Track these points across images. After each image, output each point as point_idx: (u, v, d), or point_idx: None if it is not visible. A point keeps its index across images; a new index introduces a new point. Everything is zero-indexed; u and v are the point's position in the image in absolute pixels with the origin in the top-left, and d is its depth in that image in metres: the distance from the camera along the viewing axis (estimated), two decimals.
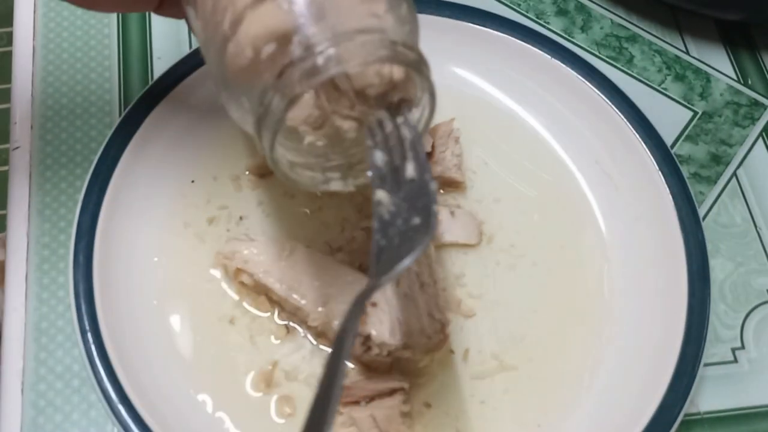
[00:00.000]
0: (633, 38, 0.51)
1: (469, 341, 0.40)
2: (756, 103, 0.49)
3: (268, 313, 0.40)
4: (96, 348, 0.36)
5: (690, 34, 0.52)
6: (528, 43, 0.46)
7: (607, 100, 0.44)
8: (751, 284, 0.44)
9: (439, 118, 0.45)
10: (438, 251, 0.40)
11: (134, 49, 0.47)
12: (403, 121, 0.32)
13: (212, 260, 0.41)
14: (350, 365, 0.38)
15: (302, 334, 0.39)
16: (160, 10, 0.38)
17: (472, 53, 0.46)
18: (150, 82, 0.45)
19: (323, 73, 0.28)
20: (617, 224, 0.43)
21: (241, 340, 0.39)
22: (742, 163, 0.47)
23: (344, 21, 0.29)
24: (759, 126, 0.49)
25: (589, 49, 0.50)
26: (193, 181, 0.43)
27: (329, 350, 0.39)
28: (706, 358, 0.39)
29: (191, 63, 0.43)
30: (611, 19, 0.52)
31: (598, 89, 0.45)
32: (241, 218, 0.42)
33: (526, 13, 0.51)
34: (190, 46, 0.48)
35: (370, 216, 0.39)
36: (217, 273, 0.40)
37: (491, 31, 0.46)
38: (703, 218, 0.45)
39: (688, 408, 0.37)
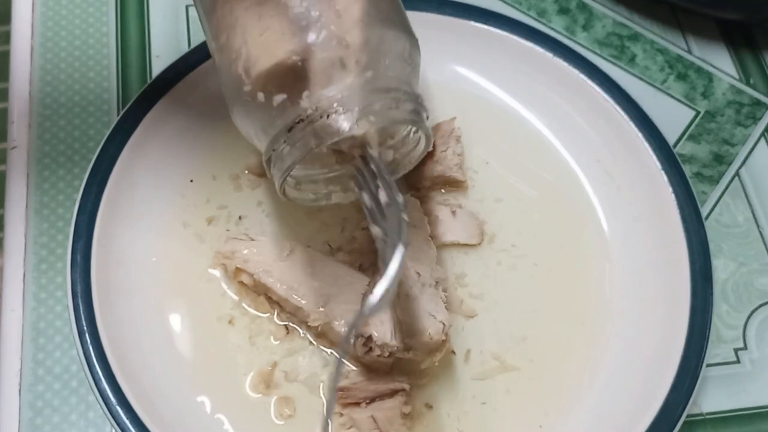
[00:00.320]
0: (635, 37, 0.51)
1: (470, 342, 0.40)
2: (758, 103, 0.49)
3: (268, 314, 0.39)
4: (94, 349, 0.36)
5: (692, 34, 0.52)
6: (530, 42, 0.46)
7: (609, 99, 0.44)
8: (753, 284, 0.43)
9: (440, 117, 0.45)
10: (439, 251, 0.40)
11: (133, 47, 0.47)
12: (370, 159, 0.34)
13: (211, 260, 0.40)
14: (351, 366, 0.38)
15: (302, 335, 0.39)
16: None
17: (474, 52, 0.46)
18: (148, 81, 0.45)
19: (334, 136, 0.31)
20: (619, 224, 0.43)
21: (240, 340, 0.39)
22: (745, 162, 0.47)
23: (351, 77, 0.31)
24: (761, 125, 0.48)
25: (590, 48, 0.50)
26: (192, 181, 0.42)
27: (327, 349, 0.39)
28: (708, 359, 0.39)
29: (190, 61, 0.43)
30: (613, 18, 0.51)
31: (600, 88, 0.45)
32: (240, 218, 0.42)
33: (527, 12, 0.51)
34: (189, 45, 0.48)
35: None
36: (216, 273, 0.40)
37: (493, 29, 0.46)
38: (706, 218, 0.45)
39: (690, 408, 0.37)
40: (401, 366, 0.38)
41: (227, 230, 0.41)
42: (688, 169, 0.46)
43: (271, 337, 0.39)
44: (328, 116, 0.31)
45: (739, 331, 0.42)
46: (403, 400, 0.37)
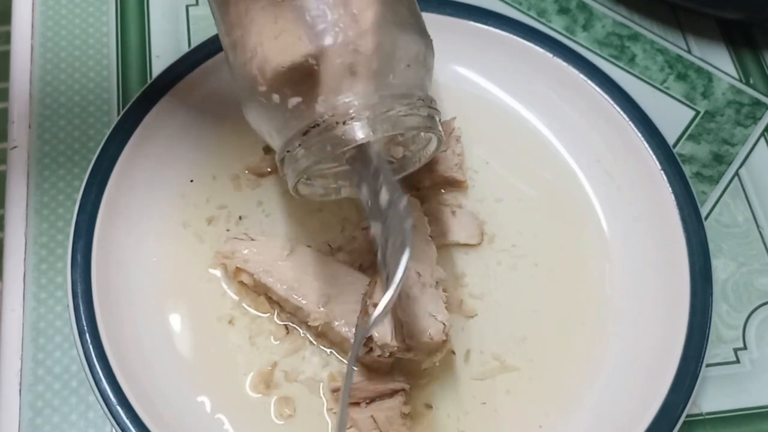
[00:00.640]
0: (635, 37, 0.51)
1: (471, 342, 0.40)
2: (758, 103, 0.49)
3: (268, 314, 0.39)
4: (94, 349, 0.36)
5: (692, 33, 0.51)
6: (530, 42, 0.46)
7: (609, 99, 0.44)
8: (753, 284, 0.43)
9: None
10: (439, 251, 0.40)
11: (133, 47, 0.47)
12: (374, 158, 0.33)
13: (211, 260, 0.40)
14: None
15: (302, 335, 0.39)
16: None
17: (474, 52, 0.46)
18: (149, 81, 0.45)
19: (350, 143, 0.31)
20: (619, 224, 0.43)
21: (240, 340, 0.39)
22: (745, 162, 0.47)
23: (366, 82, 0.31)
24: (761, 125, 0.48)
25: (590, 47, 0.50)
26: (192, 181, 0.42)
27: (327, 349, 0.39)
28: (708, 359, 0.39)
29: (190, 61, 0.43)
30: (613, 18, 0.51)
31: (600, 88, 0.45)
32: (240, 218, 0.42)
33: (527, 12, 0.51)
34: (189, 45, 0.48)
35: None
36: (216, 273, 0.40)
37: (493, 29, 0.46)
38: (705, 218, 0.45)
39: (690, 408, 0.37)
40: (401, 366, 0.38)
41: (227, 230, 0.41)
42: (687, 169, 0.46)
43: (271, 337, 0.39)
44: (344, 122, 0.31)
45: (739, 331, 0.42)
46: (403, 400, 0.37)
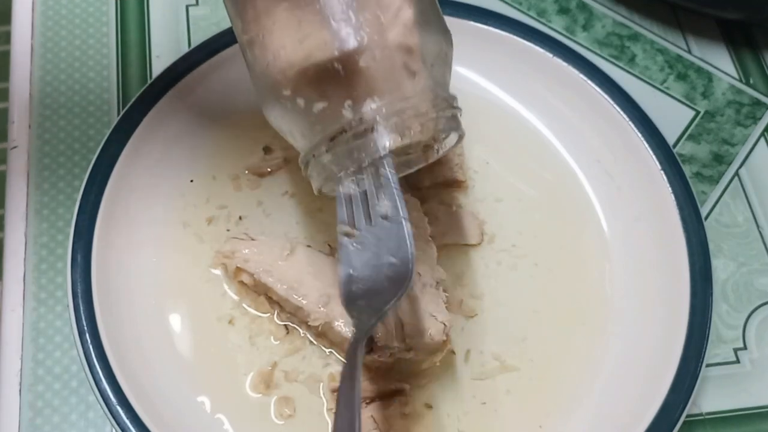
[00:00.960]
0: (635, 37, 0.51)
1: (471, 342, 0.40)
2: (758, 103, 0.49)
3: (268, 314, 0.39)
4: (94, 349, 0.36)
5: (692, 33, 0.51)
6: (529, 42, 0.46)
7: (609, 99, 0.44)
8: (753, 284, 0.43)
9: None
10: (439, 251, 0.40)
11: (133, 47, 0.47)
12: (382, 174, 0.33)
13: (211, 260, 0.40)
14: None
15: (302, 335, 0.39)
16: None
17: (474, 52, 0.46)
18: (149, 81, 0.45)
19: (379, 150, 0.31)
20: (619, 224, 0.43)
21: (240, 340, 0.39)
22: (744, 162, 0.47)
23: (392, 86, 0.31)
24: (761, 125, 0.48)
25: (590, 47, 0.50)
26: (192, 181, 0.42)
27: (327, 349, 0.39)
28: (708, 359, 0.39)
29: (190, 61, 0.43)
30: (613, 18, 0.51)
31: (600, 88, 0.45)
32: (240, 218, 0.42)
33: (527, 12, 0.51)
34: (189, 45, 0.48)
35: None
36: (216, 273, 0.40)
37: (493, 29, 0.46)
38: (705, 218, 0.45)
39: (690, 408, 0.37)
40: (401, 366, 0.38)
41: (227, 230, 0.41)
42: (687, 169, 0.46)
43: (271, 337, 0.39)
44: (372, 130, 0.31)
45: (739, 331, 0.42)
46: (403, 400, 0.37)
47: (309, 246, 0.40)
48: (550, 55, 0.45)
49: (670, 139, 0.46)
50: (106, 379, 0.35)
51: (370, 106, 0.31)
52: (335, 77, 0.31)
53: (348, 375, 0.31)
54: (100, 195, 0.40)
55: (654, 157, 0.43)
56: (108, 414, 0.35)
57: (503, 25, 0.46)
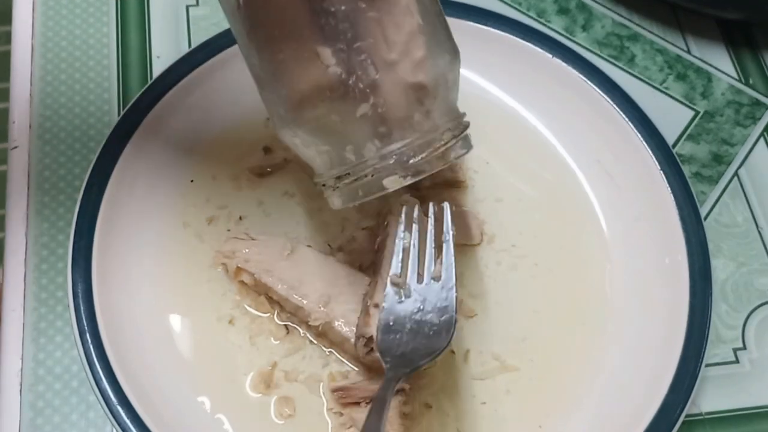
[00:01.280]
0: (634, 37, 0.51)
1: (470, 342, 0.40)
2: (757, 103, 0.49)
3: (268, 314, 0.39)
4: (95, 349, 0.36)
5: (691, 34, 0.52)
6: (529, 42, 0.46)
7: (609, 100, 0.44)
8: (752, 284, 0.43)
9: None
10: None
11: (133, 48, 0.47)
12: (443, 224, 0.35)
13: (212, 260, 0.40)
14: (351, 366, 0.38)
15: (302, 335, 0.39)
16: None
17: (474, 52, 0.46)
18: (149, 81, 0.45)
19: (380, 190, 0.32)
20: (618, 224, 0.43)
21: (240, 340, 0.39)
22: (744, 162, 0.47)
23: (395, 127, 0.31)
24: (760, 125, 0.48)
25: (590, 48, 0.50)
26: (192, 181, 0.42)
27: (327, 349, 0.39)
28: (707, 359, 0.39)
29: (191, 62, 0.43)
30: (612, 18, 0.51)
31: (600, 88, 0.45)
32: (240, 218, 0.42)
33: (527, 12, 0.51)
34: (189, 45, 0.48)
35: (370, 216, 0.39)
36: (216, 273, 0.40)
37: (492, 29, 0.46)
38: (705, 218, 0.45)
39: (689, 408, 0.37)
40: None
41: (228, 230, 0.41)
42: (687, 169, 0.46)
43: (271, 337, 0.39)
44: (372, 175, 0.32)
45: (738, 331, 0.42)
46: (403, 400, 0.37)
47: (309, 246, 0.40)
48: (550, 56, 0.46)
49: (670, 139, 0.46)
50: (106, 378, 0.36)
51: (370, 149, 0.31)
52: (334, 125, 0.31)
53: (374, 419, 0.31)
54: (101, 195, 0.40)
55: (654, 157, 0.43)
56: (108, 414, 0.35)
57: (503, 26, 0.46)
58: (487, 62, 0.46)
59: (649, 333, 0.39)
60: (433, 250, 0.35)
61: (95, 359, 0.36)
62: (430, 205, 0.37)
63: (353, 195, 0.33)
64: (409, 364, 0.33)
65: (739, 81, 0.50)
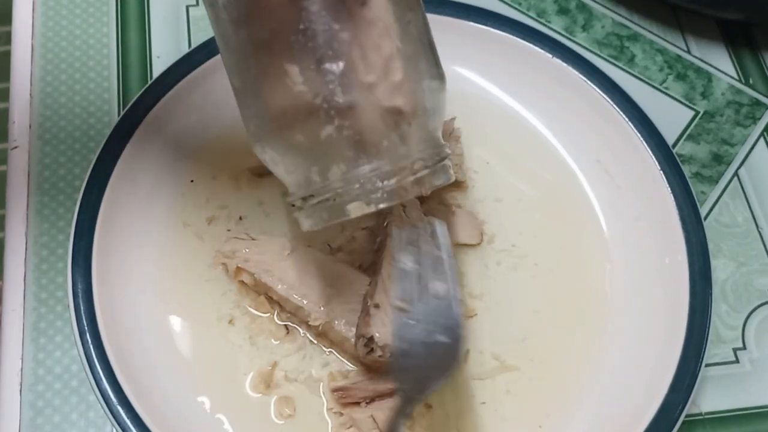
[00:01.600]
0: (634, 37, 0.51)
1: (470, 342, 0.40)
2: (757, 103, 0.49)
3: (268, 314, 0.39)
4: (95, 348, 0.36)
5: (691, 34, 0.52)
6: (529, 42, 0.46)
7: (609, 100, 0.44)
8: (752, 284, 0.43)
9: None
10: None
11: (133, 48, 0.47)
12: (437, 240, 0.34)
13: (212, 260, 0.40)
14: (351, 366, 0.38)
15: (302, 335, 0.39)
16: None
17: (474, 52, 0.46)
18: (149, 81, 0.45)
19: (344, 215, 0.30)
20: (619, 224, 0.43)
21: (240, 340, 0.39)
22: (744, 162, 0.47)
23: (362, 151, 0.30)
24: (760, 125, 0.48)
25: (590, 48, 0.50)
26: (192, 181, 0.42)
27: (327, 349, 0.39)
28: (707, 359, 0.39)
29: (191, 61, 0.43)
30: (612, 18, 0.51)
31: (600, 88, 0.45)
32: (240, 218, 0.42)
33: (527, 12, 0.51)
34: (190, 45, 0.48)
35: (370, 216, 0.39)
36: (216, 273, 0.40)
37: (492, 30, 0.46)
38: (705, 218, 0.45)
39: (689, 408, 0.37)
40: None
41: (228, 230, 0.41)
42: (687, 169, 0.46)
43: (272, 337, 0.39)
44: (335, 198, 0.30)
45: (738, 331, 0.42)
46: None
47: (309, 246, 0.40)
48: (550, 56, 0.46)
49: (670, 140, 0.46)
50: (106, 378, 0.36)
51: (335, 173, 0.30)
52: (299, 146, 0.30)
53: None
54: (101, 195, 0.40)
55: (653, 157, 0.43)
56: (108, 414, 0.35)
57: (503, 26, 0.46)
58: (487, 62, 0.46)
59: (649, 333, 0.39)
60: (429, 264, 0.34)
61: (95, 359, 0.36)
62: (425, 220, 0.36)
63: (318, 218, 0.32)
64: (422, 389, 0.32)
65: (739, 81, 0.50)
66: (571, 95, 0.45)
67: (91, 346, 0.36)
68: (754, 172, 0.47)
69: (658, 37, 0.51)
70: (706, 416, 0.40)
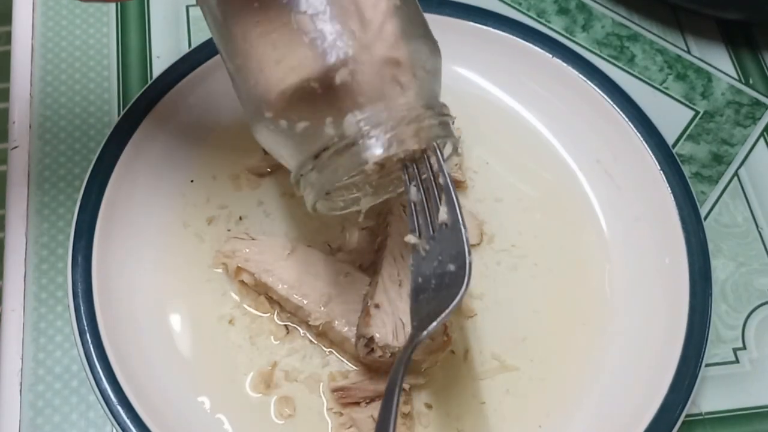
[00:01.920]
0: (634, 37, 0.51)
1: (470, 342, 0.40)
2: (757, 103, 0.49)
3: (268, 314, 0.39)
4: (94, 348, 0.36)
5: (691, 34, 0.52)
6: (529, 42, 0.46)
7: (609, 100, 0.44)
8: (752, 284, 0.43)
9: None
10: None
11: (133, 47, 0.47)
12: (436, 167, 0.33)
13: (212, 260, 0.40)
14: (351, 366, 0.38)
15: (302, 335, 0.39)
16: None
17: (474, 52, 0.46)
18: (149, 81, 0.45)
19: (363, 163, 0.30)
20: (619, 224, 0.43)
21: (240, 340, 0.39)
22: (744, 162, 0.47)
23: (374, 98, 0.30)
24: (760, 125, 0.48)
25: (590, 48, 0.50)
26: (192, 181, 0.42)
27: (327, 349, 0.39)
28: (707, 359, 0.39)
29: (191, 61, 0.43)
30: (612, 18, 0.51)
31: (600, 88, 0.45)
32: (240, 218, 0.42)
33: (527, 12, 0.51)
34: (189, 45, 0.48)
35: (371, 216, 0.39)
36: (217, 273, 0.40)
37: (492, 30, 0.46)
38: (705, 218, 0.45)
39: (689, 408, 0.37)
40: None
41: (228, 230, 0.41)
42: (687, 169, 0.46)
43: (272, 337, 0.39)
44: (353, 144, 0.30)
45: (738, 331, 0.42)
46: (403, 400, 0.37)
47: (309, 246, 0.40)
48: (550, 56, 0.46)
49: (670, 140, 0.46)
50: (106, 378, 0.36)
51: (351, 120, 0.30)
52: (313, 95, 0.30)
53: (395, 372, 0.31)
54: (101, 195, 0.40)
55: (653, 157, 0.43)
56: (108, 413, 0.35)
57: (503, 26, 0.46)
58: (488, 62, 0.46)
59: (649, 333, 0.39)
60: (436, 198, 0.33)
61: (95, 359, 0.36)
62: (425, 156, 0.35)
63: (331, 177, 0.31)
64: (432, 319, 0.31)
65: (739, 81, 0.50)
66: (571, 95, 0.45)
67: (91, 346, 0.36)
68: (754, 172, 0.47)
69: (658, 37, 0.51)
70: (706, 416, 0.40)
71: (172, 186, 0.42)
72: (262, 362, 0.38)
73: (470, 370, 0.39)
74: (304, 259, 0.39)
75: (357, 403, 0.37)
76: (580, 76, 0.45)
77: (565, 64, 0.45)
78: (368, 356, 0.36)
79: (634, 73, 0.50)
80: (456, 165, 0.43)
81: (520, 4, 0.51)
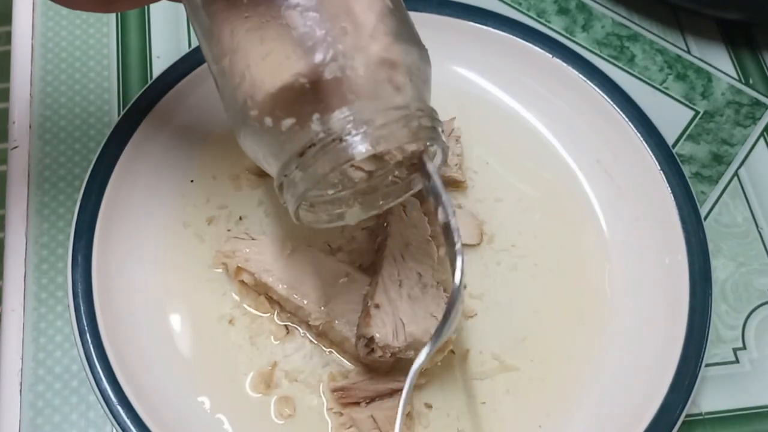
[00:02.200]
0: (634, 37, 0.51)
1: (470, 342, 0.40)
2: (757, 103, 0.49)
3: (268, 314, 0.39)
4: (94, 348, 0.36)
5: (691, 34, 0.52)
6: (529, 42, 0.46)
7: (609, 100, 0.44)
8: (752, 284, 0.43)
9: (440, 117, 0.44)
10: (440, 252, 0.40)
11: (133, 47, 0.47)
12: (425, 173, 0.33)
13: (212, 260, 0.40)
14: (351, 366, 0.38)
15: (302, 335, 0.39)
16: (112, 7, 0.37)
17: (473, 52, 0.46)
18: (149, 81, 0.45)
19: (348, 160, 0.29)
20: (618, 224, 0.43)
21: (240, 340, 0.39)
22: (744, 162, 0.47)
23: (365, 96, 0.30)
24: (760, 125, 0.48)
25: (590, 48, 0.50)
26: (192, 181, 0.42)
27: (327, 349, 0.39)
28: (707, 359, 0.39)
29: (190, 61, 0.43)
30: (612, 18, 0.51)
31: (600, 88, 0.45)
32: (240, 218, 0.42)
33: (527, 12, 0.51)
34: (190, 45, 0.48)
35: (370, 216, 0.39)
36: (217, 273, 0.40)
37: (492, 29, 0.46)
38: (705, 218, 0.45)
39: (689, 408, 0.37)
40: (401, 366, 0.38)
41: (228, 230, 0.41)
42: (687, 169, 0.46)
43: (272, 337, 0.39)
44: (340, 140, 0.29)
45: (738, 331, 0.42)
46: None
47: (309, 246, 0.40)
48: (550, 56, 0.46)
49: (670, 140, 0.46)
50: (106, 378, 0.36)
51: (338, 117, 0.30)
52: (301, 91, 0.30)
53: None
54: (101, 195, 0.40)
55: (653, 157, 0.43)
56: (108, 414, 0.35)
57: (503, 26, 0.46)
58: (488, 62, 0.46)
59: (649, 333, 0.39)
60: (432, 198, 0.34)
61: (95, 359, 0.36)
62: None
63: (320, 170, 0.30)
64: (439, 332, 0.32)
65: (739, 81, 0.50)
66: (571, 95, 0.45)
67: (91, 346, 0.36)
68: (754, 172, 0.47)
69: (658, 37, 0.51)
70: (706, 416, 0.40)
71: (172, 186, 0.42)
72: (262, 362, 0.38)
73: (470, 370, 0.39)
74: (304, 259, 0.39)
75: (357, 403, 0.37)
76: (580, 76, 0.45)
77: (565, 64, 0.45)
78: (368, 356, 0.36)
79: (634, 73, 0.50)
80: (456, 165, 0.43)
81: (520, 4, 0.51)
